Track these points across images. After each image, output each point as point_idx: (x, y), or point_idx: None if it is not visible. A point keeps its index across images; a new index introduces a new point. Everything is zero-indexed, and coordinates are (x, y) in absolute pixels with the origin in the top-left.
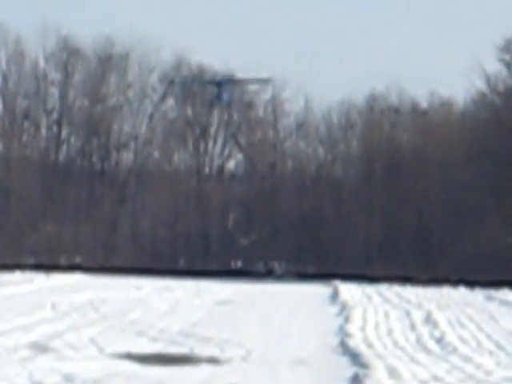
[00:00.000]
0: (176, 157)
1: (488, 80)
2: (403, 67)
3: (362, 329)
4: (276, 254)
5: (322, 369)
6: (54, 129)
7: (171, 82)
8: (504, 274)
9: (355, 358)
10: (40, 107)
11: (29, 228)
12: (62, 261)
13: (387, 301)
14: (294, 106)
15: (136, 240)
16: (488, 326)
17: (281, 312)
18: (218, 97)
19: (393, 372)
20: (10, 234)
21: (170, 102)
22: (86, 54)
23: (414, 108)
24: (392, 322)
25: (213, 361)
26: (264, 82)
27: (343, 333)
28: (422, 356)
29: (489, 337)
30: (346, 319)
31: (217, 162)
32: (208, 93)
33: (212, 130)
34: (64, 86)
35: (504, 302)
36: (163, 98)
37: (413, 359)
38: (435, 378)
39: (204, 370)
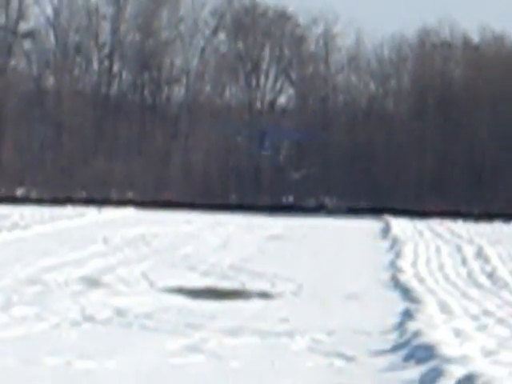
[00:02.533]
0: (227, 91)
1: None
2: (455, 1)
3: (414, 264)
4: (327, 188)
5: (373, 304)
6: (106, 63)
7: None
8: None
9: (406, 292)
10: (92, 41)
11: (80, 162)
12: (114, 195)
13: (438, 236)
14: (345, 41)
15: (187, 175)
16: None
17: (332, 247)
18: (261, 145)
19: (444, 307)
20: (62, 169)
21: (222, 36)
22: None
23: (466, 42)
24: (443, 257)
25: (264, 295)
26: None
27: (394, 268)
28: (473, 291)
29: None
30: (398, 254)
31: (268, 97)
32: (252, 140)
33: (264, 65)
34: (116, 20)
35: None
36: (215, 31)
37: (464, 294)
38: (486, 312)
39: (255, 304)
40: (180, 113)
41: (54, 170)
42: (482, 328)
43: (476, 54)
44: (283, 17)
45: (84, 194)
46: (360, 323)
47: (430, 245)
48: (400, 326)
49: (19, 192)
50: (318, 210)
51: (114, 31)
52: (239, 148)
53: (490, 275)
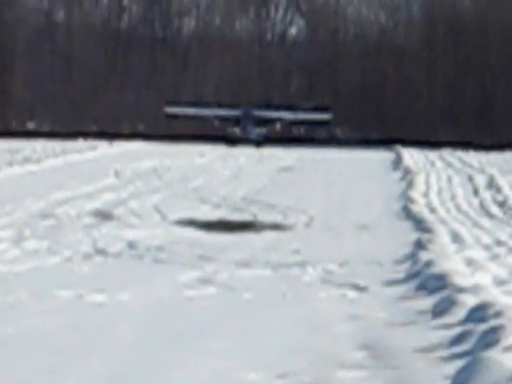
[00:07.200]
0: (238, 24)
1: None
2: None
3: (425, 194)
4: (338, 120)
5: (385, 234)
6: None
7: None
8: None
9: (418, 223)
10: None
11: (91, 96)
12: (125, 129)
13: (450, 166)
14: None
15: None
16: None
17: (344, 178)
18: (245, 130)
19: (456, 237)
20: (73, 102)
21: None
22: None
23: None
24: (455, 187)
25: (276, 227)
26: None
27: (406, 198)
28: (484, 221)
29: None
30: (409, 184)
31: (279, 29)
32: None
33: None
34: None
35: None
36: None
37: (476, 224)
38: (498, 242)
39: (267, 236)
40: (190, 45)
41: (65, 104)
42: (494, 258)
43: None
44: None
45: (95, 128)
46: (372, 254)
47: (441, 175)
48: (412, 256)
49: (30, 126)
50: (329, 141)
51: None
52: (250, 80)
53: (502, 205)
